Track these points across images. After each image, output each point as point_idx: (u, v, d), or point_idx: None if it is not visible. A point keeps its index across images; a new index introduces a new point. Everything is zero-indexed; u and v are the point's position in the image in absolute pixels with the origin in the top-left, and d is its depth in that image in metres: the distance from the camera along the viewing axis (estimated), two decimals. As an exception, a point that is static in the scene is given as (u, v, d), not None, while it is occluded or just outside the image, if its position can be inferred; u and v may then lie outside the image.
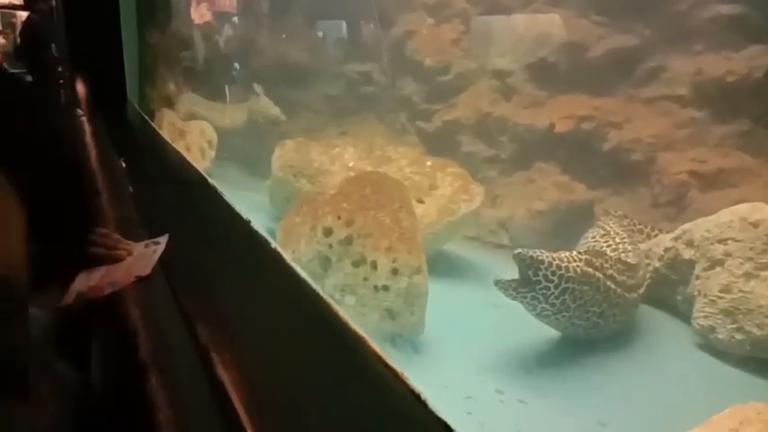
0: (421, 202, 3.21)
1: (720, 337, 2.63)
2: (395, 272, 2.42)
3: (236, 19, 6.14)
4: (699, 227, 2.93)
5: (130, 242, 1.46)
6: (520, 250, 2.40)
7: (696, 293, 2.82)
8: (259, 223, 2.11)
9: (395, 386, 1.23)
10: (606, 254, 2.77)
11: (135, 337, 1.34)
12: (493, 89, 4.26)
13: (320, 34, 5.42)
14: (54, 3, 8.89)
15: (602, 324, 2.64)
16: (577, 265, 2.47)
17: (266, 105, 4.51)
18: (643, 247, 3.17)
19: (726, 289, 2.68)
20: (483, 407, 2.17)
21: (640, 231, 3.44)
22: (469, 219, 3.33)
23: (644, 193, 3.78)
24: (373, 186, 2.59)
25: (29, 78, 10.36)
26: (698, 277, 2.84)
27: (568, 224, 3.68)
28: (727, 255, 2.73)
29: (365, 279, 2.48)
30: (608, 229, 3.19)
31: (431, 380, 2.16)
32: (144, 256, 1.42)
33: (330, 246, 2.58)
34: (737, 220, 2.75)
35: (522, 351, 2.57)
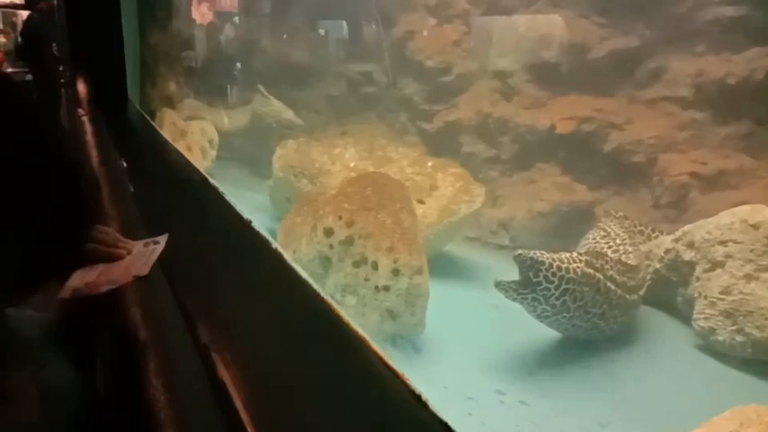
0: (422, 202, 3.21)
1: (721, 338, 2.63)
2: (396, 272, 2.42)
3: (237, 19, 6.14)
4: (699, 228, 2.93)
5: (130, 241, 1.46)
6: (520, 251, 2.40)
7: (696, 295, 2.82)
8: (260, 223, 2.12)
9: (396, 387, 1.23)
10: (607, 255, 2.77)
11: (135, 336, 1.34)
12: (494, 90, 4.27)
13: (321, 34, 5.42)
14: (55, 2, 8.89)
15: (603, 325, 2.64)
16: (578, 267, 2.47)
17: (279, 109, 4.46)
18: (644, 248, 3.18)
19: (726, 291, 2.68)
20: (484, 408, 2.17)
21: (641, 233, 3.44)
22: (470, 219, 3.33)
23: (645, 194, 3.79)
24: (374, 187, 2.59)
25: (29, 77, 10.39)
26: (698, 279, 2.84)
27: (569, 225, 3.68)
28: (728, 256, 2.73)
29: (366, 279, 2.48)
30: (609, 230, 3.19)
31: (431, 380, 2.16)
32: (143, 255, 1.43)
33: (331, 246, 2.58)
34: (738, 221, 2.75)
35: (523, 352, 2.57)
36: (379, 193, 2.57)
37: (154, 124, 4.69)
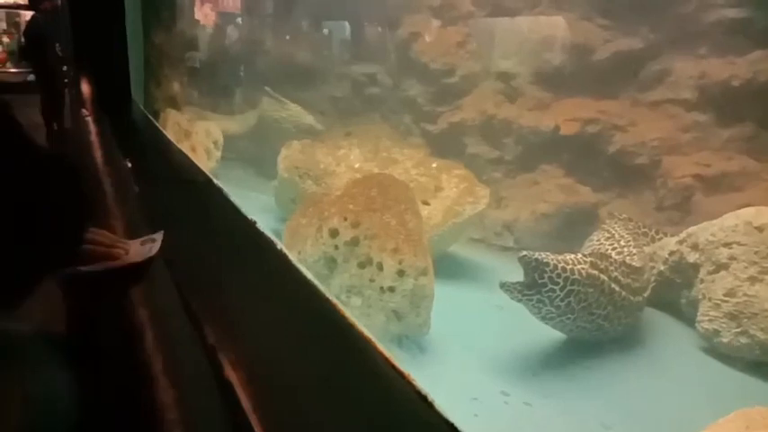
0: (426, 203, 3.22)
1: (725, 340, 2.63)
2: (401, 273, 2.43)
3: (240, 19, 6.15)
4: (704, 230, 2.93)
5: (126, 240, 1.47)
6: (525, 253, 2.40)
7: (701, 297, 2.82)
8: (265, 224, 2.12)
9: (402, 387, 1.24)
10: (611, 257, 2.78)
11: (141, 337, 1.35)
12: (498, 91, 4.28)
13: (326, 35, 5.43)
14: (59, 2, 8.91)
15: (607, 326, 2.64)
16: (583, 268, 2.47)
17: (298, 113, 4.44)
18: (648, 250, 3.18)
19: (730, 293, 2.68)
20: (489, 408, 2.18)
21: (645, 234, 3.45)
22: (475, 221, 3.34)
23: (648, 196, 3.79)
24: (379, 188, 2.60)
25: (31, 78, 10.40)
26: (702, 281, 2.85)
27: (573, 227, 3.69)
28: (732, 258, 2.74)
29: (371, 280, 2.49)
30: (613, 231, 3.20)
31: (437, 381, 2.17)
32: (140, 253, 1.44)
33: (336, 247, 2.59)
34: (742, 224, 2.75)
35: (527, 353, 2.58)
36: (384, 194, 2.58)
37: (158, 125, 4.70)
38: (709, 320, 2.71)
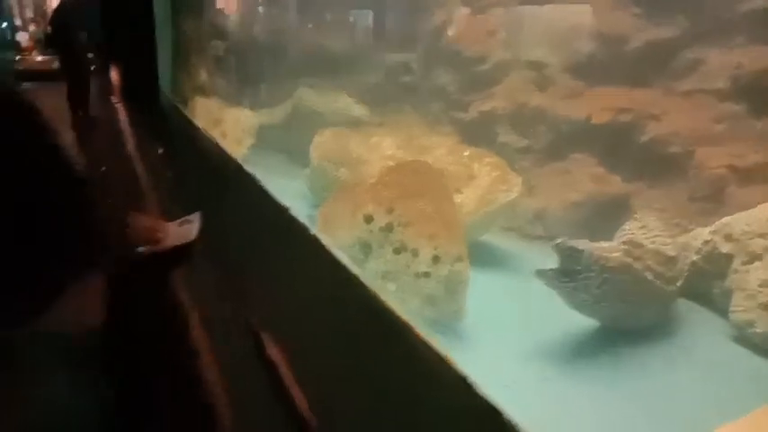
0: (459, 191, 3.23)
1: (759, 330, 2.62)
2: (436, 259, 2.45)
3: (271, 8, 6.16)
4: (738, 221, 2.92)
5: (165, 223, 1.49)
6: (561, 240, 2.41)
7: (734, 287, 2.82)
8: (299, 210, 2.15)
9: (442, 370, 1.26)
10: (645, 245, 2.78)
11: (186, 318, 1.38)
12: (529, 80, 4.27)
13: (357, 24, 5.44)
14: (85, -10, 9.01)
15: (641, 315, 2.65)
16: (617, 256, 2.48)
17: (349, 106, 4.42)
18: (681, 240, 3.17)
19: (765, 283, 2.67)
20: (524, 394, 2.20)
21: (677, 225, 3.43)
22: (507, 209, 3.34)
23: (681, 186, 3.77)
24: (414, 175, 2.62)
25: (56, 65, 10.52)
26: (736, 271, 2.84)
27: (604, 216, 3.67)
28: (767, 250, 2.73)
29: (406, 266, 2.51)
30: (645, 221, 3.19)
31: (473, 366, 2.19)
32: (179, 235, 1.46)
33: (371, 232, 2.62)
34: (778, 214, 2.75)
35: (562, 340, 2.59)
36: (419, 181, 2.60)
37: (185, 112, 4.75)
38: (743, 311, 2.71)
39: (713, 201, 3.60)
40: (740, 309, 2.72)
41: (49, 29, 10.51)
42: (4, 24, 16.30)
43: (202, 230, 1.54)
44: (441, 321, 2.50)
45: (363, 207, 2.64)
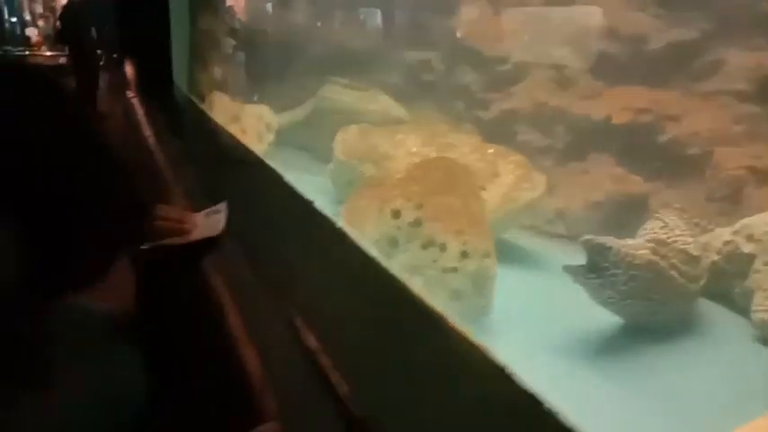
0: (483, 189, 3.26)
1: (780, 330, 2.65)
2: (464, 254, 2.48)
3: (292, 4, 6.17)
4: (760, 221, 2.95)
5: (193, 214, 1.50)
6: (589, 237, 2.44)
7: (755, 287, 2.84)
8: (321, 205, 2.17)
9: (480, 359, 1.28)
10: (670, 244, 2.80)
11: (221, 308, 1.40)
12: (550, 79, 4.30)
13: (378, 21, 5.47)
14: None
15: (665, 313, 2.67)
16: (644, 253, 2.51)
17: (389, 107, 4.38)
18: (702, 239, 3.19)
19: (787, 284, 2.70)
20: (551, 389, 2.22)
21: (696, 225, 3.45)
22: (530, 207, 3.37)
23: (699, 187, 3.79)
24: (442, 171, 2.66)
25: (62, 60, 10.56)
26: (758, 271, 2.86)
27: (623, 216, 3.70)
28: (789, 250, 2.76)
29: (433, 261, 2.54)
30: (667, 221, 3.21)
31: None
32: (207, 226, 1.47)
33: (398, 228, 2.64)
34: (800, 216, 2.77)
35: (586, 336, 2.62)
36: (447, 177, 2.63)
37: (202, 108, 4.76)
38: (764, 310, 2.73)
39: (731, 201, 3.62)
40: (762, 308, 2.74)
41: (58, 24, 10.56)
42: (14, 19, 16.37)
43: (229, 221, 1.55)
44: (467, 316, 2.52)
45: (391, 202, 2.67)
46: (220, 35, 5.77)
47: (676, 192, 3.83)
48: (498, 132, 4.19)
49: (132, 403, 0.79)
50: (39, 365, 0.66)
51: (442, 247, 2.53)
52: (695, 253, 2.88)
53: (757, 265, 2.88)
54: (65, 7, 10.32)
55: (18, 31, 16.24)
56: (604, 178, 3.88)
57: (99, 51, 10.05)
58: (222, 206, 1.51)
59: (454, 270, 2.49)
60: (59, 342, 0.70)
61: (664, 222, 3.21)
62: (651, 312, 2.64)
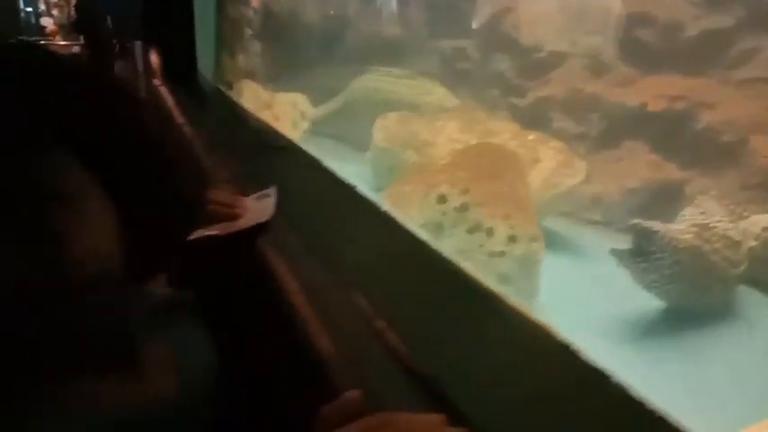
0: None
1: (820, 317, 2.68)
2: (513, 239, 2.52)
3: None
4: (799, 207, 2.97)
5: (243, 198, 1.53)
6: (637, 221, 2.48)
7: (793, 273, 2.87)
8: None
9: (543, 337, 1.32)
10: (712, 229, 2.83)
11: (282, 286, 1.44)
12: (585, 67, 4.31)
13: (415, 9, 5.46)
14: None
15: (705, 297, 2.71)
16: (689, 238, 2.54)
17: (443, 97, 4.38)
18: (741, 225, 3.22)
19: (826, 270, 2.72)
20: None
21: (731, 212, 3.47)
22: (571, 193, 3.40)
23: (734, 174, 3.80)
24: (489, 157, 2.70)
25: (75, 49, 10.60)
26: (797, 257, 2.89)
27: (659, 203, 3.72)
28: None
29: (480, 245, 2.58)
30: (706, 207, 3.23)
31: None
32: (258, 210, 1.50)
33: (444, 213, 2.69)
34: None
35: (630, 319, 2.66)
36: (494, 162, 2.67)
37: (229, 96, 4.79)
38: (803, 296, 2.76)
39: (766, 189, 3.63)
40: (800, 294, 2.77)
41: (73, 13, 10.59)
42: (29, 9, 16.43)
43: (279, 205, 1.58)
44: (514, 299, 2.56)
45: (436, 188, 2.72)
46: (253, 23, 5.78)
47: (711, 179, 3.84)
48: (533, 119, 4.21)
49: (205, 378, 0.82)
50: (127, 343, 0.70)
51: (489, 232, 2.57)
52: (737, 238, 2.90)
53: (796, 251, 2.90)
54: (80, -3, 10.35)
55: (33, 21, 16.28)
56: (640, 165, 3.90)
57: (114, 41, 10.10)
58: (271, 190, 1.53)
59: (502, 254, 2.54)
60: (138, 324, 0.73)
61: (703, 209, 3.23)
62: (693, 297, 2.68)
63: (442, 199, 2.70)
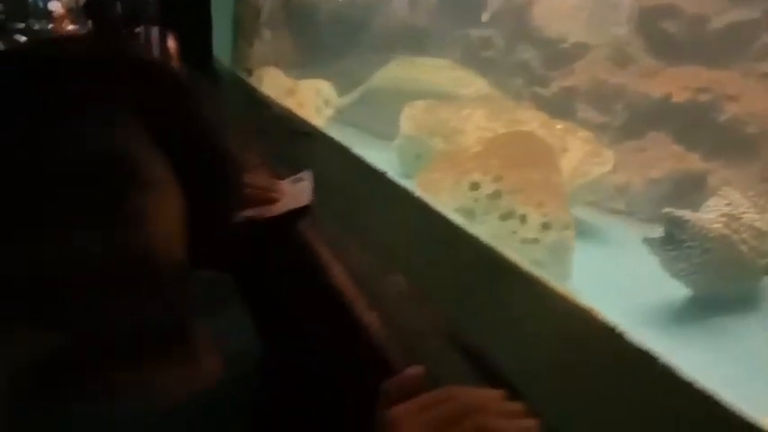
0: (553, 163, 3.33)
1: None
2: (546, 226, 2.56)
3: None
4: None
5: (280, 182, 1.56)
6: (668, 209, 2.52)
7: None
8: (388, 179, 2.24)
9: (589, 320, 1.36)
10: (740, 219, 2.87)
11: (328, 267, 1.48)
12: (609, 58, 4.33)
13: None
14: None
15: (732, 286, 2.75)
16: (718, 227, 2.58)
17: (480, 87, 4.39)
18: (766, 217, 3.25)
19: None
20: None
21: (755, 204, 3.49)
22: (599, 182, 3.44)
23: (755, 166, 3.83)
24: (521, 144, 2.73)
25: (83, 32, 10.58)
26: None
27: (682, 193, 3.75)
28: None
29: (513, 232, 2.63)
30: (731, 198, 3.26)
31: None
32: (295, 194, 1.53)
33: (476, 200, 2.73)
34: None
35: (659, 306, 2.71)
36: (527, 150, 2.71)
37: (249, 81, 4.80)
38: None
39: (788, 181, 3.66)
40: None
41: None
42: (38, -7, 16.43)
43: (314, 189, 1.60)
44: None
45: (468, 175, 2.75)
46: (274, 8, 5.75)
47: (733, 170, 3.87)
48: (557, 109, 4.23)
49: (248, 359, 0.86)
50: (181, 325, 0.73)
51: (523, 219, 2.61)
52: (764, 229, 2.94)
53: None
54: (88, -18, 10.34)
55: (41, 5, 16.25)
56: (663, 156, 3.93)
57: (122, 26, 10.07)
58: (307, 174, 1.55)
59: (535, 241, 2.58)
60: (189, 307, 0.77)
61: (728, 200, 3.27)
62: (720, 285, 2.72)
63: (475, 186, 2.74)
